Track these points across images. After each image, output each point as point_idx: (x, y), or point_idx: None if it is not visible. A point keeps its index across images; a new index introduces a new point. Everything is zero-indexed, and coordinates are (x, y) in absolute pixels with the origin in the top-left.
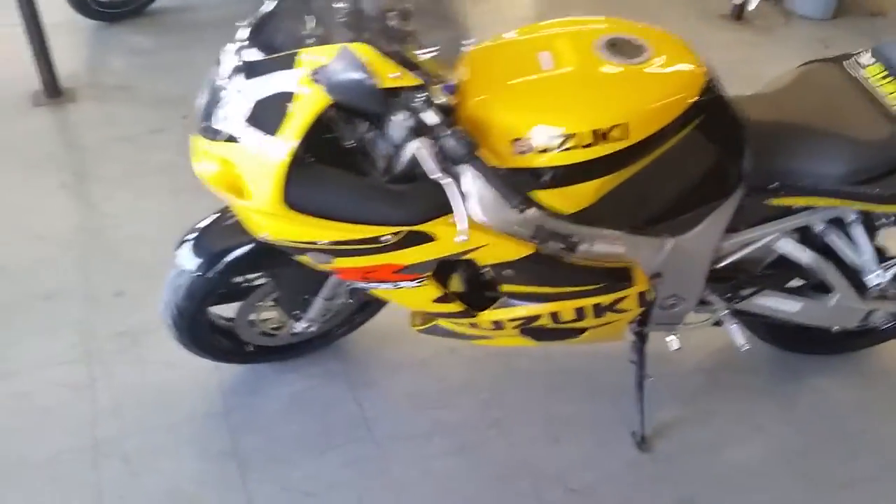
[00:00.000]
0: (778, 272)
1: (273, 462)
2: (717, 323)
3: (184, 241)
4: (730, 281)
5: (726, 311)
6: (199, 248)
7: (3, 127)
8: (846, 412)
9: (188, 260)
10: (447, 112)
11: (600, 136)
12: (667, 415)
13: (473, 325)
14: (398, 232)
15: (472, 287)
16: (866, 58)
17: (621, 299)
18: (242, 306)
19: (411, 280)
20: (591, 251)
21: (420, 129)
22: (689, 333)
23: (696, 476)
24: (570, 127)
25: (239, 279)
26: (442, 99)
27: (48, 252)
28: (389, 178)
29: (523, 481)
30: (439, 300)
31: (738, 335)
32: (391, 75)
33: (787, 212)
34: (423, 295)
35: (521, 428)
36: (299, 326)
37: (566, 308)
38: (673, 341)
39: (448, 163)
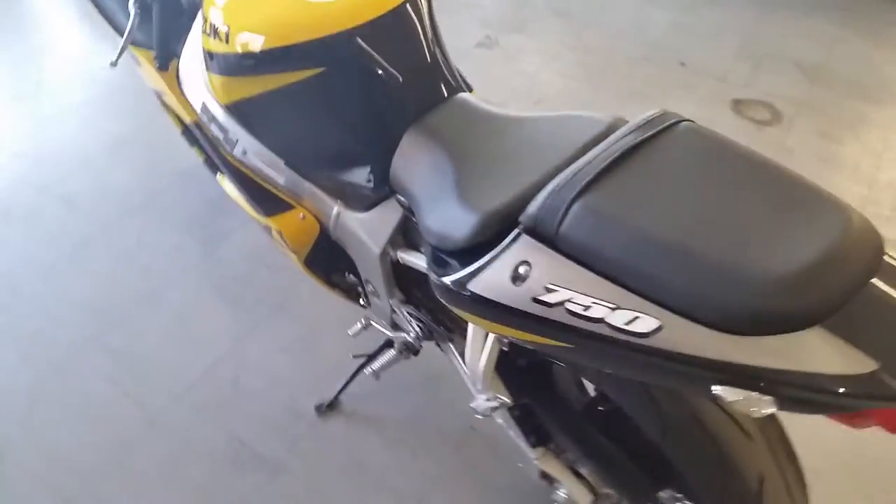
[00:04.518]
0: None
1: (144, 223)
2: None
3: None
4: (423, 309)
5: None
6: None
7: None
8: None
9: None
10: None
11: (212, 28)
12: (377, 412)
13: None
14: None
15: None
16: None
17: (267, 226)
18: None
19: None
20: (248, 161)
21: None
22: None
23: (316, 465)
24: (204, 7)
25: None
26: None
27: None
28: None
29: (225, 363)
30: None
31: (380, 362)
32: None
33: None
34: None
35: (286, 329)
36: None
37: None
38: (355, 327)
39: None
